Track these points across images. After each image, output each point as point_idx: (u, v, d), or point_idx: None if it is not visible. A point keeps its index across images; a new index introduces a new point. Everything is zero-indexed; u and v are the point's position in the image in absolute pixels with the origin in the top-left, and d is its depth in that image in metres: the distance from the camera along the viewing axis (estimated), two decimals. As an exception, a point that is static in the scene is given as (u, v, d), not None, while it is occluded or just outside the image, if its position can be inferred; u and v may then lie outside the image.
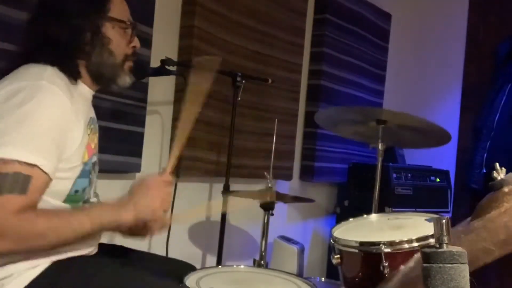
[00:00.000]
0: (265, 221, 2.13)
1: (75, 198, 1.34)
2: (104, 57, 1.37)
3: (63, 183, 1.29)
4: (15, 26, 1.70)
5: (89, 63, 1.36)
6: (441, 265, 0.72)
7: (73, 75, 1.33)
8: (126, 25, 1.41)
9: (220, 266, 1.82)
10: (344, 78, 3.34)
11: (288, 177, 3.00)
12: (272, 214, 2.14)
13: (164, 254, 2.11)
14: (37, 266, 1.26)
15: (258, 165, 2.68)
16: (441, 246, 0.73)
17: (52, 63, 1.30)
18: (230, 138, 2.23)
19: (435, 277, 0.73)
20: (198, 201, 2.53)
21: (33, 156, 1.17)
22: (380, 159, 2.20)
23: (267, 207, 2.11)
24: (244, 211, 2.68)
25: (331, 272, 3.22)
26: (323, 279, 2.38)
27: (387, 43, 3.77)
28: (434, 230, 0.75)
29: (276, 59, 2.82)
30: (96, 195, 1.49)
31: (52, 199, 1.29)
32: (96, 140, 1.43)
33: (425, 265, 0.74)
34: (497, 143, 2.96)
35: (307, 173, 3.17)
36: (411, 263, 1.03)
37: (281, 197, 2.21)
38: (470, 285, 0.73)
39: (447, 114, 3.89)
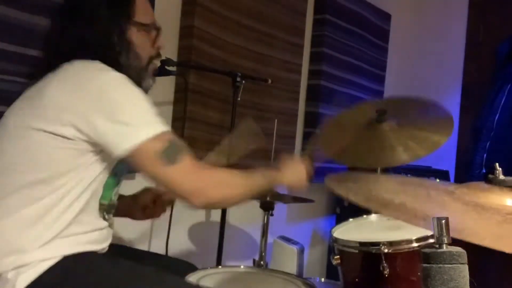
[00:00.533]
0: (265, 221, 2.13)
1: (113, 182, 1.38)
2: (131, 60, 1.40)
3: (112, 161, 1.34)
4: (16, 26, 1.71)
5: (116, 67, 1.37)
6: (441, 265, 0.72)
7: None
8: (149, 28, 1.44)
9: (220, 266, 1.82)
10: (344, 78, 3.34)
11: (288, 177, 3.00)
12: (272, 215, 2.14)
13: (164, 253, 2.11)
14: (50, 258, 1.26)
15: (258, 165, 2.67)
16: (440, 246, 0.73)
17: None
18: (230, 138, 2.23)
19: (434, 278, 0.73)
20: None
21: (157, 126, 1.30)
22: (380, 159, 2.20)
23: (267, 207, 2.11)
24: (244, 211, 2.68)
25: (331, 272, 3.22)
26: (323, 279, 2.38)
27: (387, 43, 3.77)
28: (434, 230, 0.75)
29: (276, 59, 2.83)
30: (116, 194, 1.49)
31: (99, 175, 1.32)
32: None
33: (424, 265, 0.74)
34: (497, 144, 2.96)
35: (307, 173, 3.16)
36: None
37: (281, 197, 2.21)
38: (470, 285, 0.73)
39: (447, 114, 3.88)
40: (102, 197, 1.36)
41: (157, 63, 1.53)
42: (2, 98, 1.68)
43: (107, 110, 1.25)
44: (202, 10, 2.38)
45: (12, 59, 1.70)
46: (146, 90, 1.48)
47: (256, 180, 1.44)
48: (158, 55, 1.51)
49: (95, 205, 1.35)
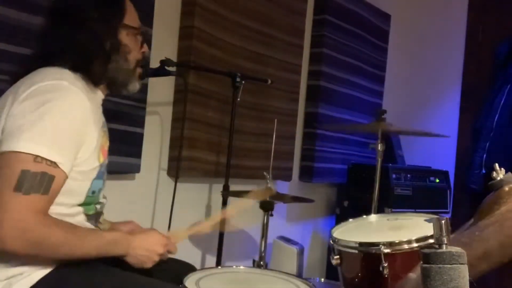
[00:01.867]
0: (265, 221, 2.13)
1: (92, 200, 1.39)
2: (120, 63, 1.41)
3: (83, 184, 1.34)
4: (16, 26, 1.71)
5: (106, 69, 1.39)
6: (441, 265, 0.72)
7: (94, 80, 1.37)
8: (138, 31, 1.46)
9: (219, 267, 1.82)
10: (344, 79, 3.34)
11: (288, 178, 3.00)
12: (272, 215, 2.14)
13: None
14: (45, 267, 1.27)
15: (258, 166, 2.68)
16: (440, 246, 0.73)
17: (72, 68, 1.33)
18: (229, 139, 2.23)
19: (434, 278, 0.73)
20: (197, 201, 2.53)
21: (55, 154, 1.21)
22: (379, 159, 2.20)
23: (267, 208, 2.11)
24: (244, 212, 2.68)
25: (331, 272, 3.22)
26: (322, 279, 2.38)
27: (387, 43, 3.77)
28: (434, 230, 0.75)
29: (276, 59, 2.83)
30: (105, 197, 1.52)
31: (73, 200, 1.33)
32: (108, 143, 1.47)
33: (424, 265, 0.74)
34: (496, 144, 2.96)
35: (306, 174, 3.17)
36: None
37: (281, 197, 2.21)
38: (470, 285, 0.73)
39: (446, 114, 3.89)
40: (86, 209, 1.39)
41: (141, 69, 1.52)
42: (2, 98, 1.68)
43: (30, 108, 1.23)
44: (202, 10, 2.38)
45: (12, 59, 1.70)
46: (131, 92, 1.50)
47: (87, 250, 1.28)
48: (143, 59, 1.51)
49: (82, 216, 1.38)
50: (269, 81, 2.37)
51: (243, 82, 2.19)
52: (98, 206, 1.45)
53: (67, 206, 1.32)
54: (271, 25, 2.78)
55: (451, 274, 0.72)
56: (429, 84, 3.95)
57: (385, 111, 2.20)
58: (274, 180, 2.22)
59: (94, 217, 1.44)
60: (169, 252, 1.48)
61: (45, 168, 1.20)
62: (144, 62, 1.52)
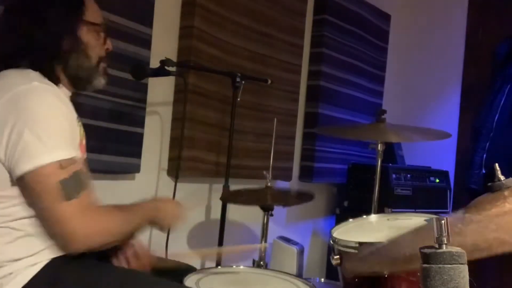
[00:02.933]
0: (265, 221, 2.13)
1: None
2: (81, 60, 1.40)
3: None
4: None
5: (66, 67, 1.38)
6: (441, 265, 0.72)
7: (52, 79, 1.35)
8: (100, 28, 1.44)
9: (219, 267, 1.82)
10: (344, 79, 3.34)
11: (288, 178, 3.00)
12: (272, 215, 2.14)
13: (163, 254, 2.10)
14: (36, 263, 1.27)
15: (258, 166, 2.68)
16: (440, 246, 0.73)
17: (32, 67, 1.32)
18: (229, 139, 2.23)
19: (434, 278, 0.73)
20: (197, 201, 2.53)
21: (70, 151, 1.25)
22: (379, 159, 2.20)
23: (267, 208, 2.11)
24: (244, 212, 2.68)
25: (331, 272, 3.22)
26: (322, 279, 2.38)
27: (387, 43, 3.77)
28: (434, 230, 0.75)
29: (276, 59, 2.83)
30: None
31: None
32: (84, 138, 1.46)
33: (424, 265, 0.74)
34: (496, 144, 2.96)
35: (306, 174, 3.17)
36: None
37: (281, 196, 2.21)
38: (470, 285, 0.73)
39: (446, 114, 3.88)
40: None
41: (105, 65, 1.50)
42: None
43: (20, 121, 1.21)
44: (202, 10, 2.38)
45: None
46: (97, 88, 1.50)
47: (135, 222, 1.40)
48: (107, 56, 1.49)
49: None
50: (269, 81, 2.37)
51: (243, 82, 2.19)
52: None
53: None
54: (271, 25, 2.78)
55: (451, 274, 0.72)
56: (429, 84, 3.94)
57: (385, 111, 2.20)
58: (274, 180, 2.21)
59: None
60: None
61: (72, 168, 1.24)
62: (107, 59, 1.50)
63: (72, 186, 1.22)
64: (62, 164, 1.22)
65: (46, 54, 1.34)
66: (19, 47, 1.34)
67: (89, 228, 1.26)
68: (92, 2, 1.45)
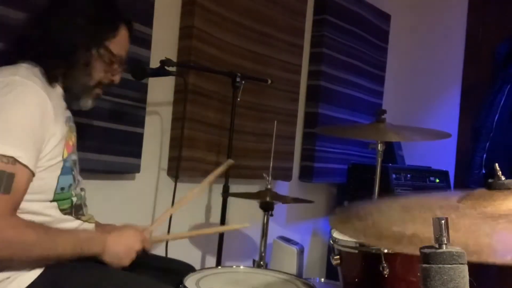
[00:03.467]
0: (265, 221, 2.13)
1: (63, 196, 1.36)
2: (81, 75, 1.40)
3: (48, 181, 1.32)
4: (16, 26, 1.71)
5: (67, 73, 1.39)
6: (441, 265, 0.72)
7: (51, 77, 1.35)
8: (115, 59, 1.45)
9: (219, 267, 1.82)
10: (344, 79, 3.34)
11: (288, 178, 3.00)
12: (272, 215, 2.14)
13: (163, 254, 2.11)
14: (34, 269, 1.26)
15: (258, 166, 2.68)
16: (440, 246, 0.73)
17: (37, 60, 1.33)
18: (229, 139, 2.23)
19: (434, 278, 0.72)
20: (197, 201, 2.53)
21: (12, 149, 1.18)
22: (379, 159, 2.20)
23: (267, 208, 2.11)
24: (244, 212, 2.68)
25: (331, 272, 3.22)
26: (322, 279, 2.38)
27: (387, 43, 3.77)
28: (433, 230, 0.75)
29: (276, 59, 2.83)
30: (83, 190, 1.51)
31: (42, 197, 1.31)
32: (74, 138, 1.45)
33: (424, 265, 0.74)
34: (496, 144, 2.96)
35: (306, 174, 3.17)
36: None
37: (281, 196, 2.21)
38: (470, 285, 0.73)
39: (446, 114, 3.89)
40: (60, 204, 1.36)
41: (100, 91, 1.50)
42: None
43: None
44: (202, 10, 2.38)
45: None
46: (80, 108, 1.47)
47: (62, 249, 1.26)
48: (107, 85, 1.49)
49: (56, 211, 1.35)
50: (269, 81, 2.37)
51: (243, 82, 2.19)
52: (74, 199, 1.41)
53: (38, 202, 1.31)
54: (271, 25, 2.78)
55: (451, 274, 0.72)
56: (429, 84, 3.94)
57: (385, 111, 2.20)
58: (274, 180, 2.22)
59: (72, 210, 1.41)
60: (144, 249, 1.43)
61: (2, 167, 1.17)
62: (106, 89, 1.50)
63: None
64: None
65: (56, 54, 1.35)
66: (38, 36, 1.35)
67: (5, 233, 1.17)
68: (125, 35, 1.47)
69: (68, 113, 1.44)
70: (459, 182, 3.59)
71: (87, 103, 1.47)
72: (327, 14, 3.18)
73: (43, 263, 1.27)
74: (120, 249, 1.36)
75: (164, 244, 2.15)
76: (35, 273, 1.27)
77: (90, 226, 1.48)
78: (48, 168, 1.30)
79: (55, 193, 1.33)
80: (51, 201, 1.34)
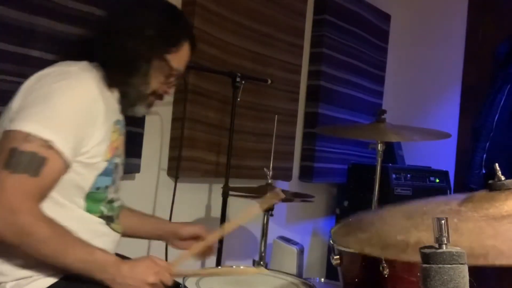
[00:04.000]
0: (265, 221, 2.13)
1: (97, 196, 1.35)
2: (139, 83, 1.41)
3: (85, 177, 1.31)
4: (16, 26, 1.71)
5: (126, 80, 1.40)
6: (441, 265, 0.72)
7: (108, 82, 1.37)
8: (173, 73, 1.46)
9: (219, 267, 1.82)
10: (344, 79, 3.34)
11: (288, 178, 3.00)
12: (272, 215, 2.14)
13: (163, 254, 2.11)
14: (55, 275, 1.26)
15: (258, 166, 2.68)
16: (440, 246, 0.73)
17: (101, 64, 1.36)
18: (229, 139, 2.23)
19: (434, 278, 0.73)
20: (197, 201, 2.53)
21: (50, 133, 1.18)
22: (379, 159, 2.20)
23: (267, 208, 2.11)
24: (244, 211, 2.68)
25: (331, 272, 3.22)
26: (322, 279, 2.38)
27: (387, 43, 3.77)
28: (433, 230, 0.75)
29: (276, 59, 2.83)
30: (118, 199, 1.49)
31: (76, 192, 1.30)
32: (120, 141, 1.44)
33: (424, 265, 0.74)
34: (496, 144, 2.95)
35: (306, 174, 3.17)
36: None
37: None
38: (470, 285, 0.73)
39: (446, 114, 3.89)
40: (88, 211, 1.34)
41: (154, 100, 1.50)
42: (2, 98, 1.68)
43: (36, 90, 1.25)
44: (202, 10, 2.38)
45: (12, 59, 1.70)
46: (134, 115, 1.48)
47: (71, 260, 1.20)
48: (161, 95, 1.50)
49: (82, 215, 1.33)
50: (269, 81, 2.37)
51: (243, 82, 2.20)
52: (105, 209, 1.39)
53: (70, 198, 1.30)
54: (271, 25, 2.78)
55: (451, 274, 0.72)
56: (429, 84, 3.94)
57: (385, 111, 2.20)
58: (274, 180, 2.22)
59: (104, 218, 1.39)
60: (162, 282, 1.30)
61: (36, 148, 1.17)
62: (160, 99, 1.51)
63: (20, 161, 1.15)
64: (28, 137, 1.17)
65: (119, 60, 1.37)
66: (101, 43, 1.38)
67: (15, 213, 1.14)
68: (186, 51, 1.47)
69: (120, 117, 1.45)
70: (459, 182, 3.59)
71: (141, 111, 1.47)
72: (327, 14, 3.18)
73: (58, 269, 1.24)
74: (132, 282, 1.25)
75: (164, 244, 2.15)
76: (55, 278, 1.26)
77: (117, 237, 1.45)
78: (88, 165, 1.30)
79: (89, 191, 1.33)
80: (85, 197, 1.32)
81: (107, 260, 1.24)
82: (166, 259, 2.10)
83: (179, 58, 1.46)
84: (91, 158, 1.30)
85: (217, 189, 2.43)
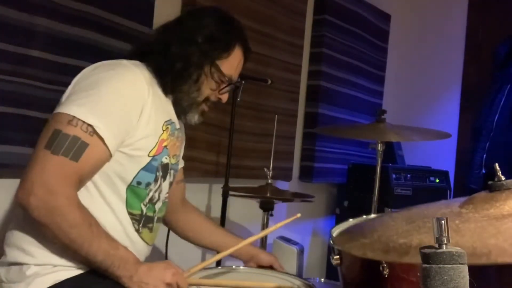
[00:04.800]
0: (265, 221, 2.13)
1: (138, 191, 1.36)
2: (191, 90, 1.44)
3: (127, 168, 1.32)
4: (16, 26, 1.71)
5: (178, 86, 1.43)
6: (441, 265, 0.72)
7: (162, 87, 1.41)
8: (224, 79, 1.48)
9: (219, 267, 1.82)
10: (344, 79, 3.34)
11: (288, 178, 3.00)
12: (272, 215, 2.14)
13: (163, 254, 2.11)
14: (74, 268, 1.27)
15: (258, 166, 2.68)
16: (440, 246, 0.73)
17: (153, 68, 1.40)
18: (229, 139, 2.23)
19: (434, 278, 0.73)
20: (197, 201, 2.53)
21: (95, 119, 1.21)
22: (379, 159, 2.20)
23: (267, 208, 2.11)
24: (244, 211, 2.68)
25: (331, 272, 3.22)
26: (322, 279, 2.38)
27: (387, 43, 3.77)
28: (433, 230, 0.75)
29: (276, 59, 2.83)
30: (164, 204, 1.50)
31: (117, 182, 1.32)
32: (172, 143, 1.45)
33: (424, 265, 0.74)
34: (496, 144, 2.96)
35: (306, 174, 3.17)
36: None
37: (281, 194, 2.22)
38: (470, 285, 0.73)
39: (446, 114, 3.89)
40: (128, 205, 1.35)
41: (207, 108, 1.52)
42: (2, 98, 1.68)
43: (88, 78, 1.30)
44: (202, 10, 2.38)
45: (12, 59, 1.70)
46: (186, 122, 1.51)
47: (95, 250, 1.21)
48: (214, 103, 1.52)
49: (123, 211, 1.34)
50: (269, 81, 2.37)
51: (243, 82, 2.19)
52: (145, 208, 1.39)
53: (111, 188, 1.31)
54: (271, 25, 2.78)
55: (451, 274, 0.72)
56: (429, 84, 3.94)
57: (385, 111, 2.20)
58: (274, 180, 2.22)
59: (140, 220, 1.39)
60: (178, 285, 1.28)
61: (78, 132, 1.19)
62: (212, 106, 1.53)
63: (62, 143, 1.18)
64: (72, 120, 1.19)
65: (171, 67, 1.40)
66: (156, 50, 1.41)
67: (52, 194, 1.16)
68: (238, 57, 1.50)
69: (174, 119, 1.47)
70: (459, 182, 3.59)
71: (194, 118, 1.49)
72: (327, 14, 3.18)
73: (82, 262, 1.26)
74: (148, 280, 1.24)
75: (164, 243, 2.15)
76: (75, 271, 1.27)
77: (144, 248, 1.44)
78: (131, 157, 1.31)
79: (130, 184, 1.33)
80: (126, 189, 1.33)
81: (129, 258, 1.25)
82: (166, 250, 2.10)
83: (230, 64, 1.48)
84: (135, 150, 1.31)
85: (217, 189, 2.43)
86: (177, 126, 1.49)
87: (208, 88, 1.46)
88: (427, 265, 0.73)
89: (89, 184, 1.29)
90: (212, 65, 1.44)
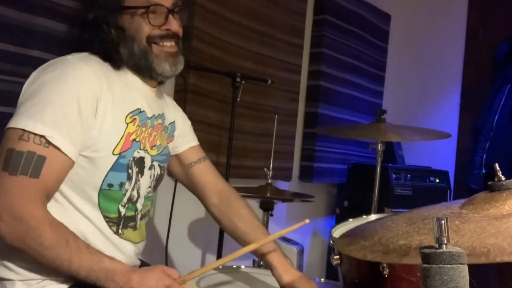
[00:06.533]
0: (265, 221, 2.13)
1: (111, 194, 1.27)
2: (129, 47, 1.31)
3: (93, 173, 1.23)
4: (16, 26, 1.71)
5: (120, 55, 1.31)
6: (441, 265, 0.72)
7: (113, 62, 1.30)
8: (145, 9, 1.31)
9: (220, 266, 1.82)
10: (344, 79, 3.34)
11: (288, 178, 3.00)
12: (272, 215, 2.14)
13: (163, 254, 2.11)
14: (66, 282, 1.22)
15: (258, 166, 2.68)
16: (440, 246, 0.73)
17: (94, 51, 1.29)
18: (229, 139, 2.23)
19: (434, 278, 0.73)
20: (197, 201, 2.53)
21: (44, 128, 1.12)
22: (379, 159, 2.20)
23: (267, 208, 2.11)
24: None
25: (331, 272, 3.22)
26: (322, 279, 2.37)
27: (387, 43, 3.77)
28: (434, 230, 0.75)
29: (276, 59, 2.83)
30: (149, 199, 1.41)
31: (87, 190, 1.23)
32: (148, 133, 1.35)
33: (424, 265, 0.74)
34: (496, 144, 2.96)
35: (306, 174, 3.17)
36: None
37: (281, 194, 2.22)
38: (470, 285, 0.73)
39: (446, 114, 3.89)
40: (103, 210, 1.27)
41: (167, 44, 1.36)
42: (2, 98, 1.68)
43: (32, 84, 1.20)
44: (202, 10, 2.38)
45: (12, 59, 1.70)
46: (163, 76, 1.36)
47: (78, 267, 1.13)
48: (164, 36, 1.35)
49: (97, 217, 1.26)
50: (269, 81, 2.37)
51: (243, 82, 2.20)
52: (124, 210, 1.31)
53: (81, 197, 1.23)
54: (271, 25, 2.78)
55: (451, 274, 0.72)
56: (429, 84, 3.94)
57: (385, 111, 2.20)
58: (274, 180, 2.22)
59: (118, 222, 1.31)
60: None
61: (32, 147, 1.11)
62: (169, 40, 1.37)
63: (20, 163, 1.09)
64: (22, 135, 1.11)
65: (98, 42, 1.29)
66: (85, 37, 1.31)
67: (18, 218, 1.08)
68: None
69: (144, 107, 1.35)
70: (459, 182, 3.59)
71: (164, 68, 1.34)
72: (327, 14, 3.19)
73: (68, 276, 1.18)
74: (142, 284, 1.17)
75: (164, 243, 2.15)
76: (65, 285, 1.22)
77: (131, 247, 1.37)
78: (94, 160, 1.22)
79: (101, 188, 1.24)
80: (98, 195, 1.25)
81: (116, 269, 1.16)
82: (166, 254, 2.10)
83: None
84: (96, 151, 1.22)
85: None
86: (150, 114, 1.36)
87: (139, 30, 1.31)
88: (427, 265, 0.73)
89: (57, 195, 1.21)
90: (120, 12, 1.31)
